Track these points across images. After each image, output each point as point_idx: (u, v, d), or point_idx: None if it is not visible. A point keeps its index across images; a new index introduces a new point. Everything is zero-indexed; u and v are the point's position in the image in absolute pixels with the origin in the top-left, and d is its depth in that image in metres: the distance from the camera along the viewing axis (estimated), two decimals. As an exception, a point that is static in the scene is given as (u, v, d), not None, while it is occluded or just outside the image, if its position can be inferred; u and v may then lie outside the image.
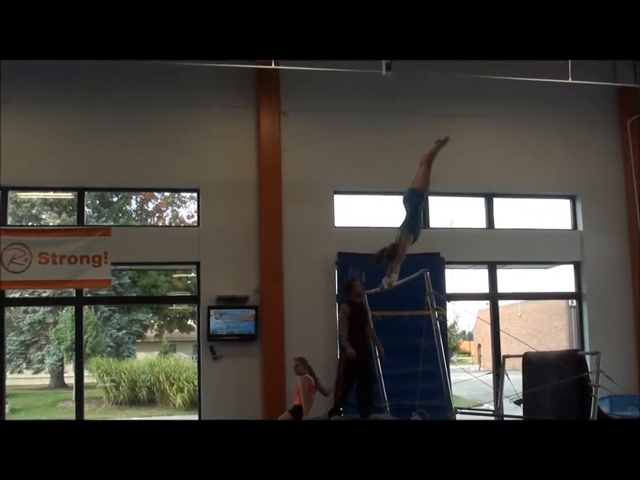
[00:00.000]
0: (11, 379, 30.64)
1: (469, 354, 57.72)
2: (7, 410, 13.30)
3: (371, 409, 10.59)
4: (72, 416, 13.40)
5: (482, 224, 13.93)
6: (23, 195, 19.33)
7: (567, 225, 14.33)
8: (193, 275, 14.64)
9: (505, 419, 11.09)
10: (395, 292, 10.29)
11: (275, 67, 11.59)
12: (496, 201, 14.01)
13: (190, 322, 37.08)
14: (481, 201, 14.01)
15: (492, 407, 12.18)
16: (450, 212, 14.10)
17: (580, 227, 14.11)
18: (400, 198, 13.64)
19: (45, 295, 19.09)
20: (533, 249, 13.73)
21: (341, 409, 10.93)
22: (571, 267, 14.24)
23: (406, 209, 10.07)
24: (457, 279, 14.93)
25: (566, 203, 14.38)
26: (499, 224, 13.94)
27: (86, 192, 13.17)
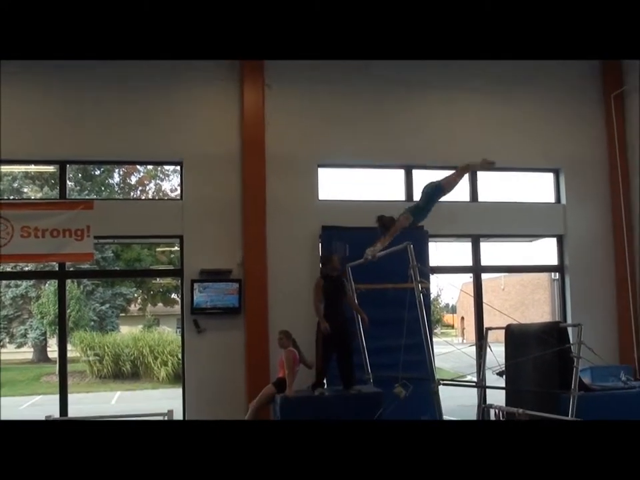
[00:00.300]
0: (-6, 354, 30.68)
1: (452, 326, 58.09)
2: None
3: (353, 381, 10.64)
4: (55, 390, 13.38)
5: (466, 197, 13.92)
6: (4, 168, 19.13)
7: (551, 199, 14.35)
8: (176, 248, 14.57)
9: (488, 390, 11.18)
10: (378, 265, 10.31)
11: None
12: (480, 173, 13.98)
13: (173, 296, 37.10)
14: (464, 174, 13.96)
15: (475, 379, 12.27)
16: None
17: (563, 200, 14.13)
18: (384, 171, 13.75)
19: (27, 269, 19.07)
20: (517, 222, 13.76)
21: (324, 381, 10.99)
22: (554, 240, 14.27)
23: (421, 196, 10.17)
24: (440, 252, 14.93)
25: (549, 177, 14.40)
26: (482, 197, 13.95)
27: (68, 165, 13.05)
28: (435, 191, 10.18)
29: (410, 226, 9.97)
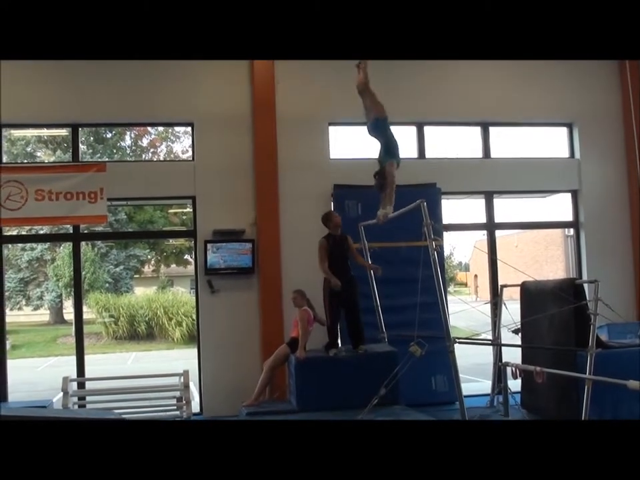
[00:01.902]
0: (11, 316, 31.05)
1: (465, 284, 58.16)
2: (7, 346, 13.38)
3: (362, 340, 10.61)
4: (72, 351, 13.50)
5: (478, 153, 13.82)
6: (17, 133, 19.15)
7: (564, 153, 14.22)
8: (188, 209, 14.56)
9: (503, 348, 11.17)
10: (391, 223, 10.26)
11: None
12: (492, 129, 13.87)
13: (187, 256, 37.24)
14: (477, 130, 13.87)
15: (489, 337, 12.26)
16: (446, 142, 13.98)
17: (577, 154, 14.00)
18: (396, 128, 13.64)
19: (42, 232, 19.11)
20: (530, 177, 13.65)
21: (338, 341, 10.98)
22: (569, 195, 14.16)
23: (378, 140, 10.04)
24: (453, 209, 14.86)
25: (563, 131, 14.26)
26: (495, 153, 13.82)
27: (80, 128, 13.01)
28: (378, 126, 10.09)
29: (397, 167, 9.86)
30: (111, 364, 24.48)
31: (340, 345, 10.98)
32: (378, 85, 12.85)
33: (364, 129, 13.56)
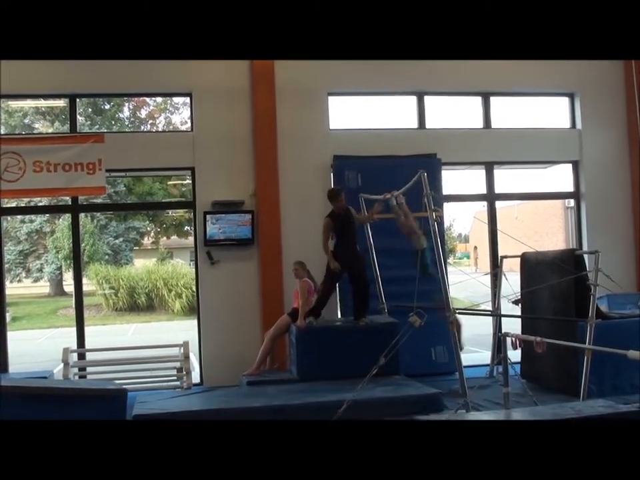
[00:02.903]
0: (11, 288, 31.10)
1: (466, 256, 58.18)
2: (8, 319, 13.39)
3: (364, 314, 10.61)
4: (72, 323, 13.50)
5: (479, 124, 13.74)
6: (15, 104, 19.03)
7: (566, 124, 14.14)
8: (187, 181, 14.50)
9: (503, 318, 11.18)
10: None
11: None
12: (493, 99, 13.78)
13: (186, 228, 37.23)
14: (477, 100, 13.78)
15: (489, 308, 12.27)
16: (446, 112, 13.89)
17: (578, 125, 13.92)
18: (396, 98, 13.58)
19: (40, 204, 19.09)
20: (531, 148, 13.56)
21: (321, 311, 10.88)
22: (569, 166, 14.09)
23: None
24: (453, 180, 14.81)
25: (564, 101, 14.17)
26: (496, 123, 13.73)
27: (77, 99, 12.93)
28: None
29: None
30: (112, 335, 24.55)
31: (322, 317, 10.89)
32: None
33: (363, 99, 13.57)
